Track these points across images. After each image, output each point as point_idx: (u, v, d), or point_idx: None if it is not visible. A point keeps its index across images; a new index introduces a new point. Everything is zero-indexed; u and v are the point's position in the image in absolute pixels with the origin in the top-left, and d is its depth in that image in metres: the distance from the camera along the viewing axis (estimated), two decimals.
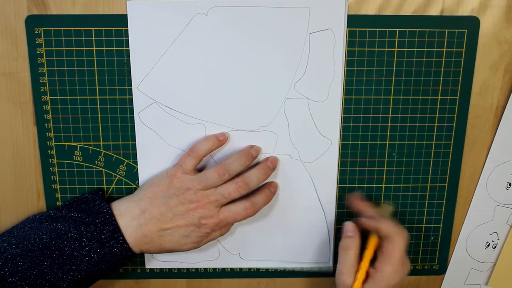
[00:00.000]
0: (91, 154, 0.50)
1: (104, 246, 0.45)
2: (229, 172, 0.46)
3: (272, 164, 0.49)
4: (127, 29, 0.47)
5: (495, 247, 0.54)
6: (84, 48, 0.47)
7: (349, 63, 0.48)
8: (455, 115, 0.50)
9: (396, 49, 0.48)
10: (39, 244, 0.44)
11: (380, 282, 0.45)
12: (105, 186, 0.51)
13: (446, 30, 0.48)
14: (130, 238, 0.46)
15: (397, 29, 0.48)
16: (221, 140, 0.48)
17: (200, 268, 0.55)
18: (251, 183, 0.47)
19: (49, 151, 0.50)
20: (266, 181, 0.50)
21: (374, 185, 0.52)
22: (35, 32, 0.47)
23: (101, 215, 0.46)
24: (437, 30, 0.48)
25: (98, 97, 0.48)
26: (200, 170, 0.49)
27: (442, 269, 0.56)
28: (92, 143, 0.50)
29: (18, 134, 0.50)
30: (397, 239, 0.45)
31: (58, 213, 0.47)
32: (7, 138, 0.50)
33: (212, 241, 0.49)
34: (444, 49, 0.48)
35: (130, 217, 0.46)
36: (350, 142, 0.51)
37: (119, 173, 0.51)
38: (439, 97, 0.50)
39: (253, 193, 0.49)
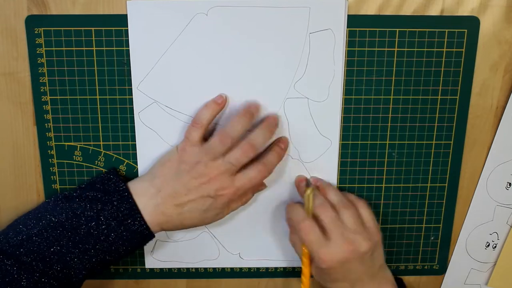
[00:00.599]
0: (91, 154, 0.50)
1: (122, 224, 0.44)
2: (232, 136, 0.45)
3: (274, 121, 0.48)
4: (127, 29, 0.47)
5: (495, 247, 0.54)
6: (84, 48, 0.47)
7: (349, 63, 0.48)
8: (455, 115, 0.50)
9: (396, 49, 0.48)
10: (55, 223, 0.43)
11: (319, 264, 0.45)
12: None
13: (446, 30, 0.48)
14: (149, 218, 0.45)
15: (397, 29, 0.48)
16: (220, 103, 0.47)
17: (200, 268, 0.55)
18: (258, 144, 0.46)
19: (49, 151, 0.50)
20: (274, 138, 0.49)
21: (374, 185, 0.52)
22: (35, 32, 0.47)
23: (118, 193, 0.45)
24: (437, 30, 0.48)
25: (98, 97, 0.48)
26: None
27: (442, 269, 0.56)
28: (92, 143, 0.50)
29: (18, 134, 0.50)
30: (300, 230, 0.45)
31: (74, 193, 0.46)
32: (7, 138, 0.50)
33: (233, 211, 0.49)
34: (444, 49, 0.48)
35: (147, 197, 0.45)
36: (350, 142, 0.51)
37: (119, 173, 0.51)
38: (439, 97, 0.50)
39: (263, 154, 0.48)
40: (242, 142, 0.45)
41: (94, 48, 0.47)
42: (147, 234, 0.45)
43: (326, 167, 0.51)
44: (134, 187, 0.46)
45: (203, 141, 0.46)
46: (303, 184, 0.50)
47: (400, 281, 0.54)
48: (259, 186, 0.51)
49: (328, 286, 0.47)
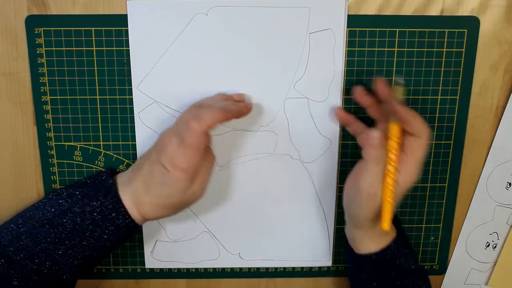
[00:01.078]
0: (91, 154, 0.50)
1: (106, 219, 0.44)
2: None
3: (247, 106, 0.46)
4: (127, 29, 0.47)
5: (495, 247, 0.54)
6: (84, 48, 0.47)
7: (349, 63, 0.48)
8: (455, 115, 0.50)
9: (396, 49, 0.48)
10: (43, 221, 0.44)
11: (403, 186, 0.43)
12: None
13: (446, 30, 0.48)
14: (130, 208, 0.44)
15: (397, 29, 0.48)
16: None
17: (200, 268, 0.55)
18: (229, 112, 0.43)
19: (49, 151, 0.50)
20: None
21: None
22: (35, 32, 0.47)
23: (104, 188, 0.45)
24: (437, 30, 0.48)
25: (98, 97, 0.48)
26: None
27: (442, 269, 0.56)
28: (92, 143, 0.50)
29: (18, 134, 0.50)
30: (424, 138, 0.42)
31: (64, 190, 0.46)
32: (7, 138, 0.50)
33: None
34: (444, 49, 0.48)
35: (124, 186, 0.44)
36: (350, 142, 0.51)
37: (118, 171, 0.51)
38: (439, 97, 0.50)
39: None
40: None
41: (94, 48, 0.47)
42: (132, 227, 0.45)
43: (326, 167, 0.51)
44: (120, 177, 0.46)
45: None
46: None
47: (398, 220, 0.53)
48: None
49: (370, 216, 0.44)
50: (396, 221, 0.51)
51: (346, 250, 0.50)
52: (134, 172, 0.45)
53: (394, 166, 0.42)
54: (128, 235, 0.46)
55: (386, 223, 0.42)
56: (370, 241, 0.47)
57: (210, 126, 0.41)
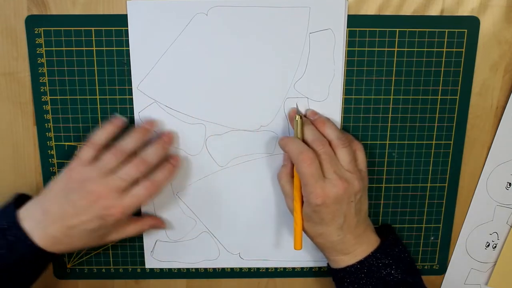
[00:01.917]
0: None
1: (12, 250, 0.43)
2: (125, 150, 0.45)
3: (168, 138, 0.48)
4: (127, 29, 0.47)
5: (495, 247, 0.54)
6: (84, 48, 0.47)
7: (349, 63, 0.48)
8: (455, 115, 0.50)
9: (396, 49, 0.48)
10: None
11: (306, 204, 0.45)
12: None
13: (446, 30, 0.48)
14: (40, 241, 0.44)
15: (397, 29, 0.48)
16: (116, 124, 0.47)
17: (200, 268, 0.55)
18: (150, 160, 0.45)
19: (49, 151, 0.50)
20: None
21: (374, 185, 0.52)
22: (35, 32, 0.47)
23: (6, 220, 0.44)
24: (437, 30, 0.48)
25: (98, 97, 0.48)
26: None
27: (442, 269, 0.56)
28: None
29: (18, 134, 0.50)
30: (300, 162, 0.44)
31: None
32: (7, 138, 0.50)
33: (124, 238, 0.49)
34: (444, 49, 0.48)
35: (35, 221, 0.44)
36: None
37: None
38: (439, 97, 0.50)
39: (153, 171, 0.47)
40: (134, 158, 0.45)
41: (94, 48, 0.47)
42: (38, 254, 0.44)
43: None
44: (24, 211, 0.45)
45: (94, 162, 0.46)
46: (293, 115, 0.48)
47: (388, 226, 0.53)
48: (161, 225, 0.51)
49: (314, 232, 0.46)
50: (387, 229, 0.51)
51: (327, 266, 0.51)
52: (42, 208, 0.45)
53: (298, 192, 0.46)
54: (37, 261, 0.45)
55: (297, 244, 0.47)
56: (333, 255, 0.47)
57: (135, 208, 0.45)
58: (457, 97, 0.50)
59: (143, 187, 0.45)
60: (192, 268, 0.55)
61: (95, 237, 0.46)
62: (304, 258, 0.55)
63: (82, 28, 0.47)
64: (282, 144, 0.47)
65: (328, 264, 0.50)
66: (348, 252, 0.47)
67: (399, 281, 0.46)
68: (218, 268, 0.55)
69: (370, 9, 0.47)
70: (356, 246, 0.47)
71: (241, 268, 0.55)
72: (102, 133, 0.47)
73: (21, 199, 0.47)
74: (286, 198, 0.48)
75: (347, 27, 0.47)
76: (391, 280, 0.46)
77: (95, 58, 0.47)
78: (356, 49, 0.48)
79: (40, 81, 0.48)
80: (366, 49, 0.48)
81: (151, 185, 0.45)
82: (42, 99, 0.48)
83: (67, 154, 0.50)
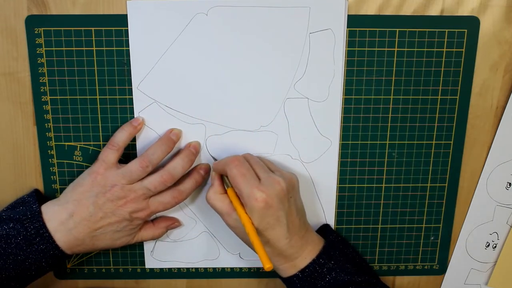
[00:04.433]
0: (91, 154, 0.50)
1: (30, 244, 0.44)
2: (152, 163, 0.46)
3: (195, 150, 0.49)
4: (127, 29, 0.47)
5: (495, 247, 0.54)
6: (84, 48, 0.47)
7: (349, 63, 0.48)
8: (455, 115, 0.50)
9: (396, 49, 0.48)
10: None
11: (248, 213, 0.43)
12: None
13: (446, 30, 0.48)
14: (61, 242, 0.45)
15: (397, 29, 0.48)
16: (136, 126, 0.48)
17: (200, 268, 0.55)
18: (176, 174, 0.46)
19: (49, 151, 0.50)
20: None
21: (374, 185, 0.52)
22: (35, 32, 0.47)
23: (29, 213, 0.45)
24: (437, 30, 0.48)
25: (98, 97, 0.48)
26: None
27: (442, 269, 0.56)
28: (92, 143, 0.50)
29: (18, 134, 0.50)
30: (228, 167, 0.44)
31: None
32: (7, 138, 0.50)
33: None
34: (444, 49, 0.48)
35: (58, 222, 0.45)
36: (350, 142, 0.51)
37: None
38: (439, 97, 0.50)
39: (181, 179, 0.48)
40: (161, 170, 0.46)
41: (94, 48, 0.47)
42: (58, 254, 0.45)
43: (326, 167, 0.51)
44: (47, 210, 0.46)
45: (118, 165, 0.47)
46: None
47: (327, 226, 0.53)
48: (175, 222, 0.52)
49: (260, 240, 0.44)
50: (327, 230, 0.51)
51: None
52: (67, 210, 0.45)
53: (239, 203, 0.44)
54: (55, 262, 0.46)
55: (265, 263, 0.41)
56: (281, 262, 0.46)
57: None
58: (457, 97, 0.50)
59: (171, 196, 0.47)
60: (192, 268, 0.55)
61: (116, 239, 0.47)
62: None
63: (82, 28, 0.47)
64: (213, 167, 0.47)
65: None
66: (296, 256, 0.46)
67: (345, 283, 0.45)
68: (218, 268, 0.55)
69: (370, 9, 0.47)
70: (303, 248, 0.46)
71: (241, 268, 0.55)
72: (122, 134, 0.47)
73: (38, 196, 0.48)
74: (224, 216, 0.46)
75: (347, 27, 0.47)
76: (337, 284, 0.45)
77: (95, 58, 0.47)
78: (356, 49, 0.48)
79: (40, 81, 0.48)
80: (366, 49, 0.48)
81: (179, 194, 0.47)
82: (42, 99, 0.48)
83: (67, 154, 0.50)
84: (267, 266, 0.41)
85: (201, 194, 0.52)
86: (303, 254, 0.46)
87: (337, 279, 0.45)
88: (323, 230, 0.52)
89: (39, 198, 0.48)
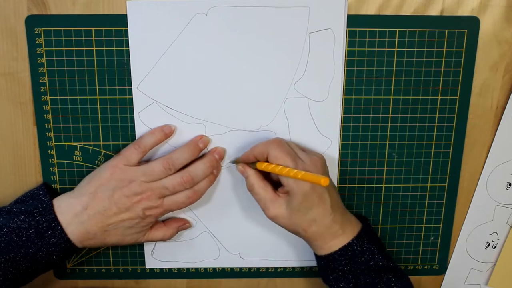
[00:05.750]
0: (91, 154, 0.50)
1: (42, 237, 0.44)
2: (175, 166, 0.46)
3: (219, 156, 0.49)
4: (127, 29, 0.47)
5: (495, 247, 0.54)
6: (84, 48, 0.47)
7: (349, 63, 0.48)
8: (455, 115, 0.50)
9: (396, 49, 0.48)
10: None
11: (292, 195, 0.44)
12: None
13: (446, 30, 0.48)
14: (72, 236, 0.45)
15: (397, 29, 0.48)
16: (167, 133, 0.48)
17: (200, 268, 0.55)
18: (196, 178, 0.47)
19: (49, 151, 0.50)
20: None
21: (374, 185, 0.52)
22: (35, 32, 0.47)
23: (40, 206, 0.45)
24: (437, 30, 0.48)
25: (98, 97, 0.48)
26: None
27: (442, 269, 0.56)
28: (92, 143, 0.50)
29: (18, 134, 0.50)
30: (272, 149, 0.44)
31: (4, 207, 0.46)
32: (7, 138, 0.50)
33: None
34: (444, 49, 0.48)
35: (71, 214, 0.45)
36: (350, 142, 0.51)
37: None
38: (439, 97, 0.50)
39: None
40: (182, 172, 0.46)
41: (94, 48, 0.47)
42: (69, 248, 0.45)
43: None
44: (59, 203, 0.46)
45: (138, 164, 0.47)
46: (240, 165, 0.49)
47: (359, 215, 0.53)
48: (186, 223, 0.52)
49: (306, 221, 0.45)
50: (361, 218, 0.51)
51: (314, 256, 0.50)
52: (81, 203, 0.45)
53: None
54: (65, 255, 0.46)
55: (320, 178, 0.40)
56: (326, 240, 0.46)
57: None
58: (457, 97, 0.50)
59: (185, 196, 0.47)
60: (192, 268, 0.55)
61: (127, 235, 0.47)
62: (304, 258, 0.55)
63: (82, 28, 0.47)
64: (246, 154, 0.47)
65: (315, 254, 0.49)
66: (340, 233, 0.46)
67: (381, 267, 0.46)
68: (218, 268, 0.55)
69: (370, 9, 0.47)
70: (345, 225, 0.46)
71: (241, 268, 0.55)
72: (151, 138, 0.47)
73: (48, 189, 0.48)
74: (267, 203, 0.46)
75: (347, 27, 0.47)
76: (375, 265, 0.46)
77: (95, 58, 0.47)
78: (356, 49, 0.48)
79: (40, 81, 0.48)
80: (366, 49, 0.48)
81: (194, 195, 0.47)
82: (42, 99, 0.48)
83: (67, 154, 0.50)
84: (323, 180, 0.40)
85: None
86: (346, 231, 0.46)
87: (375, 259, 0.46)
88: (355, 216, 0.51)
89: (48, 191, 0.48)
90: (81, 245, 0.46)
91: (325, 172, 0.46)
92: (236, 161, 0.50)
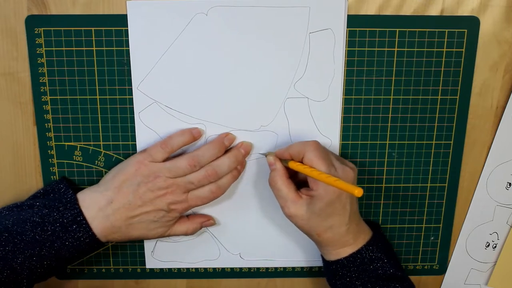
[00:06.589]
0: (91, 154, 0.50)
1: (67, 231, 0.44)
2: (200, 164, 0.46)
3: (245, 151, 0.49)
4: (127, 29, 0.47)
5: (495, 247, 0.54)
6: (84, 48, 0.47)
7: (349, 63, 0.48)
8: (455, 115, 0.50)
9: (396, 49, 0.48)
10: (1, 229, 0.43)
11: (317, 200, 0.44)
12: None
13: (446, 30, 0.48)
14: (97, 230, 0.45)
15: (397, 29, 0.48)
16: (195, 135, 0.48)
17: (200, 268, 0.55)
18: (221, 172, 0.47)
19: (49, 151, 0.50)
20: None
21: (374, 185, 0.52)
22: (35, 32, 0.47)
23: (64, 200, 0.45)
24: (437, 30, 0.48)
25: (98, 97, 0.48)
26: None
27: (442, 269, 0.56)
28: (92, 143, 0.50)
29: (18, 134, 0.50)
30: (309, 151, 0.44)
31: (25, 202, 0.46)
32: (7, 138, 0.50)
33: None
34: (444, 49, 0.48)
35: (96, 209, 0.45)
36: (350, 142, 0.51)
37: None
38: (439, 97, 0.50)
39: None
40: (207, 166, 0.46)
41: (94, 48, 0.47)
42: (94, 243, 0.46)
43: None
44: (84, 197, 0.46)
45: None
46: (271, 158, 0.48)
47: (372, 222, 0.53)
48: (210, 220, 0.52)
49: (323, 227, 0.45)
50: (374, 225, 0.51)
51: (322, 259, 0.50)
52: (106, 197, 0.46)
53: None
54: (89, 250, 0.46)
55: (354, 189, 0.38)
56: (337, 247, 0.47)
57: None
58: (457, 97, 0.50)
59: (209, 191, 0.47)
60: (192, 268, 0.55)
61: (151, 229, 0.47)
62: (304, 258, 0.55)
63: (82, 28, 0.47)
64: (281, 151, 0.47)
65: (321, 255, 0.50)
66: (351, 242, 0.47)
67: (389, 275, 0.46)
68: (218, 268, 0.55)
69: (370, 9, 0.47)
70: (358, 235, 0.47)
71: (241, 268, 0.55)
72: (179, 139, 0.47)
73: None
74: (287, 202, 0.46)
75: (347, 27, 0.47)
76: (383, 273, 0.46)
77: (95, 58, 0.47)
78: (356, 49, 0.48)
79: (40, 81, 0.48)
80: (366, 49, 0.48)
81: (217, 189, 0.47)
82: (42, 99, 0.48)
83: (67, 154, 0.50)
84: (357, 191, 0.38)
85: None
86: (356, 241, 0.47)
87: (383, 268, 0.46)
88: (368, 223, 0.51)
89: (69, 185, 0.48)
90: (105, 239, 0.46)
91: (355, 184, 0.46)
92: (266, 154, 0.49)
